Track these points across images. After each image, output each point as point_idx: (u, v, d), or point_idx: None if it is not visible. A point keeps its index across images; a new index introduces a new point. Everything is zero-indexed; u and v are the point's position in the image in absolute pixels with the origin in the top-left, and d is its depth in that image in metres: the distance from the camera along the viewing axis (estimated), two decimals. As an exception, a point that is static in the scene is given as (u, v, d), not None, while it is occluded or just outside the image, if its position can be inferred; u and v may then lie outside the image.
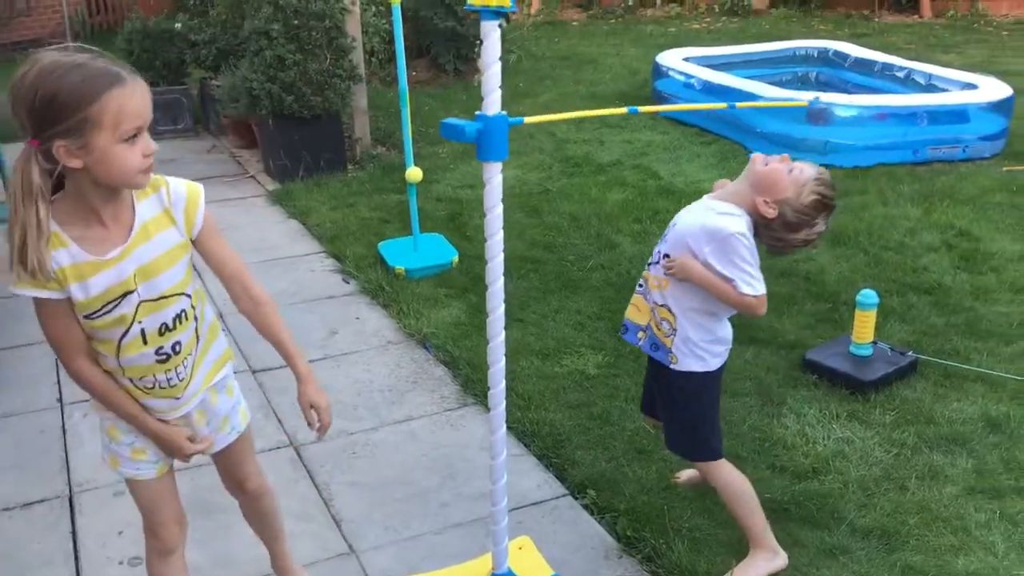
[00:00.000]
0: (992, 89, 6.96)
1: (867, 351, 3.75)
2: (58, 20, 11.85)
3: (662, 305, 2.59)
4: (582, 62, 10.55)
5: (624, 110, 2.83)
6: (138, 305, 1.91)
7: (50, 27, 12.12)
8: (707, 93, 7.53)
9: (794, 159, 2.62)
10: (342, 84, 6.40)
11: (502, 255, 2.26)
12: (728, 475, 2.67)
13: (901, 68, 8.04)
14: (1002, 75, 8.11)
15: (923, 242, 5.11)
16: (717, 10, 14.15)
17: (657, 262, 2.61)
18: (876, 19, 13.37)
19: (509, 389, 3.57)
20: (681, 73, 7.95)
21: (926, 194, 5.86)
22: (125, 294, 1.88)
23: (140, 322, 1.93)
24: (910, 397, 3.60)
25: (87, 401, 3.69)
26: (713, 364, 2.60)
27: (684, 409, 2.67)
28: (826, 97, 6.96)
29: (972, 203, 5.68)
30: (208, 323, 2.12)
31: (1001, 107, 6.75)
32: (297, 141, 6.41)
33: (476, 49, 9.35)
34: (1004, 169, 6.36)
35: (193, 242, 1.98)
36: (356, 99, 6.78)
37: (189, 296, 2.01)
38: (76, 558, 2.86)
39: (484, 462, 2.53)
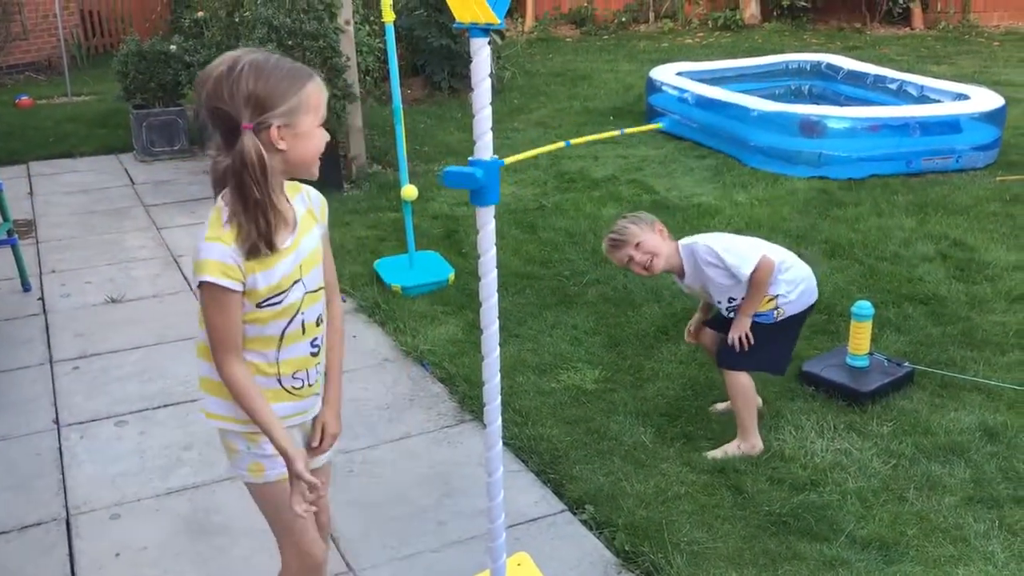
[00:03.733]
0: (984, 99, 6.99)
1: (863, 362, 3.75)
2: (54, 43, 11.89)
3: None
4: (576, 78, 10.60)
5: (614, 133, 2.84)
6: (304, 296, 2.01)
7: (46, 50, 12.17)
8: (701, 107, 7.56)
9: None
10: (337, 103, 6.43)
11: (495, 272, 2.27)
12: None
13: (893, 80, 8.08)
14: (994, 85, 8.16)
15: (918, 252, 5.12)
16: (710, 25, 14.23)
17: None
18: (868, 31, 13.45)
19: (506, 405, 3.57)
20: (675, 88, 7.99)
21: (920, 205, 5.88)
22: (294, 282, 1.98)
23: (303, 312, 2.02)
24: (907, 408, 3.60)
25: (84, 423, 3.72)
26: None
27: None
28: (819, 110, 7.00)
29: (966, 213, 5.70)
30: None
31: (993, 117, 6.78)
32: (293, 160, 6.42)
33: (470, 67, 9.39)
34: (997, 179, 6.38)
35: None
36: (351, 118, 6.81)
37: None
38: (73, 581, 2.85)
39: (482, 479, 2.52)
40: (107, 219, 6.38)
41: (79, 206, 6.67)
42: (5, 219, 5.11)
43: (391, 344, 4.37)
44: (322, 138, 1.97)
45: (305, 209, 2.06)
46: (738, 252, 3.24)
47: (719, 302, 3.38)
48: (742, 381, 3.33)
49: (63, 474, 3.40)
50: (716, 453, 3.34)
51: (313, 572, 2.23)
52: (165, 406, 3.86)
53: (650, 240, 3.27)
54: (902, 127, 6.60)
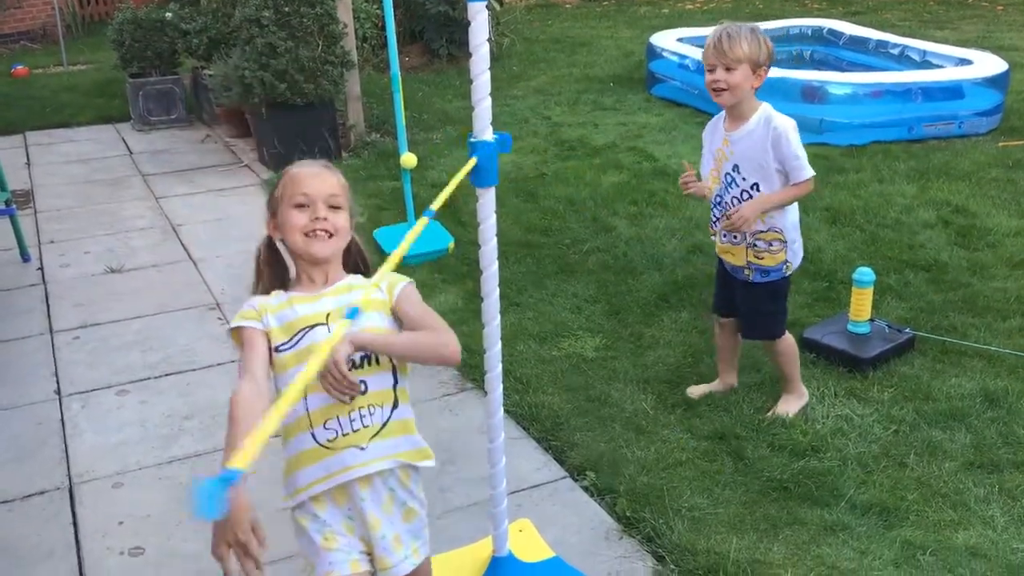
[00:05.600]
0: (987, 64, 6.94)
1: (865, 329, 3.75)
2: (48, 12, 11.78)
3: (766, 230, 3.13)
4: (576, 45, 10.51)
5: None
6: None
7: (41, 19, 12.06)
8: (702, 73, 7.50)
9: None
10: (335, 71, 6.38)
11: (495, 240, 2.26)
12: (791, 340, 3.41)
13: (895, 45, 8.02)
14: (997, 50, 8.09)
15: (919, 219, 5.11)
16: (711, -10, 14.08)
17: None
18: (870, -4, 13.32)
19: (507, 373, 3.57)
20: (675, 54, 7.92)
21: (922, 171, 5.85)
22: (315, 325, 1.97)
23: None
24: (908, 374, 3.61)
25: (85, 393, 3.73)
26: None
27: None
28: (821, 76, 6.95)
29: (968, 179, 5.67)
30: (409, 410, 2.07)
31: (996, 82, 6.73)
32: (291, 129, 6.39)
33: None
34: (1000, 144, 6.35)
35: (393, 310, 2.05)
36: (349, 86, 6.76)
37: None
38: (77, 549, 2.86)
39: (483, 446, 2.53)
40: (105, 189, 6.35)
41: (77, 176, 6.64)
42: (3, 189, 5.09)
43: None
44: (296, 217, 2.01)
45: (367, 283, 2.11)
46: (804, 155, 3.05)
47: (732, 183, 3.12)
48: (790, 342, 3.37)
49: (65, 443, 3.41)
50: (782, 409, 3.38)
51: None
52: (167, 375, 3.86)
53: (743, 76, 3.07)
54: (904, 93, 6.55)
